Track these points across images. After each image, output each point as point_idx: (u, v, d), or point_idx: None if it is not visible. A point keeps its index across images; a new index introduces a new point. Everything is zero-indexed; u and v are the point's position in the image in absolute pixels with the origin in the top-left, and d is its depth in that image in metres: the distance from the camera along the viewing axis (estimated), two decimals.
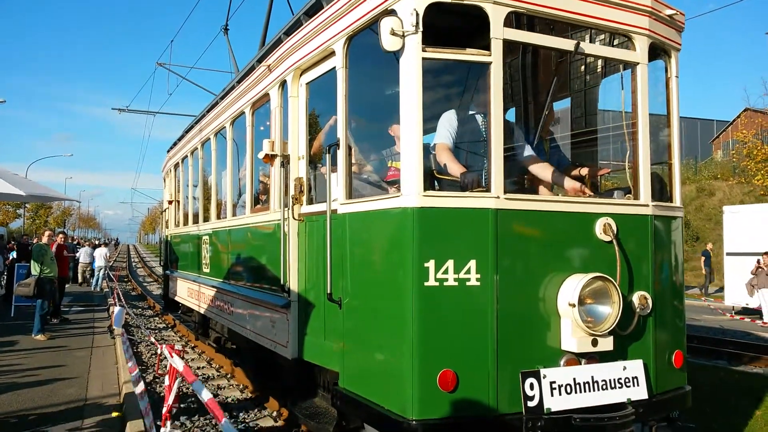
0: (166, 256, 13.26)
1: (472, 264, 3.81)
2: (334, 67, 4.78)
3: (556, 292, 4.01)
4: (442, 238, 3.84)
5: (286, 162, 5.53)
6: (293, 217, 5.39)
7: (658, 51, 4.70)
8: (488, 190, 3.92)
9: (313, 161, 5.48)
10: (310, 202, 5.37)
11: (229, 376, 9.17)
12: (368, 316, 4.25)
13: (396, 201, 3.93)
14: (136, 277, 35.85)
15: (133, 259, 60.18)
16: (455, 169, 4.38)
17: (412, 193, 3.83)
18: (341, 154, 4.58)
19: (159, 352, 6.27)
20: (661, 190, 4.68)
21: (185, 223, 11.05)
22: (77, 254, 24.66)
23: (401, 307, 3.83)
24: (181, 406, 6.97)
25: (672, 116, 4.76)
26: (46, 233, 13.10)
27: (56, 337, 11.69)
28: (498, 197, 3.88)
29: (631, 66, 4.50)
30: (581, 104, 5.44)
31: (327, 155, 4.63)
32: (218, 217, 8.44)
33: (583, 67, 5.25)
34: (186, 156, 10.73)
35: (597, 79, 5.34)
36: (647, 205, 4.41)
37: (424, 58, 3.89)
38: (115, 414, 6.46)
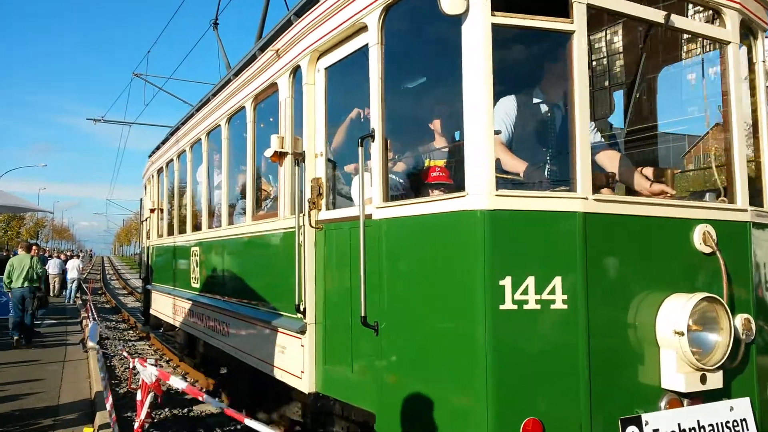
0: (147, 268, 11.91)
1: (557, 282, 2.95)
2: (365, 45, 3.92)
3: (652, 317, 3.18)
4: (520, 248, 2.98)
5: (300, 160, 4.62)
6: (310, 225, 4.47)
7: (743, 30, 3.94)
8: (572, 189, 3.08)
9: (334, 159, 4.59)
10: (330, 206, 4.47)
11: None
12: (419, 348, 3.34)
13: (459, 202, 3.06)
14: (110, 289, 34.26)
15: (107, 272, 58.05)
16: (514, 165, 3.54)
17: (481, 192, 2.97)
18: (377, 147, 3.70)
19: (131, 366, 5.84)
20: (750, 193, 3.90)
21: (170, 233, 9.81)
22: (47, 266, 23.43)
23: (469, 337, 2.95)
24: (155, 420, 6.93)
25: (760, 106, 3.99)
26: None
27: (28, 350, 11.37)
28: (586, 198, 3.04)
29: (721, 45, 3.73)
30: (646, 91, 4.63)
31: (359, 149, 3.73)
32: (210, 226, 7.43)
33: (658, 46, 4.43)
34: (171, 160, 9.58)
35: (658, 64, 4.56)
36: (745, 210, 3.61)
37: (493, 24, 3.05)
38: (87, 429, 6.11)
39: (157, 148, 11.10)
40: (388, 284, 3.57)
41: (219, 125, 6.84)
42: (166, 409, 7.73)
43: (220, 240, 6.76)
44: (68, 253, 29.20)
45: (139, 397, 5.30)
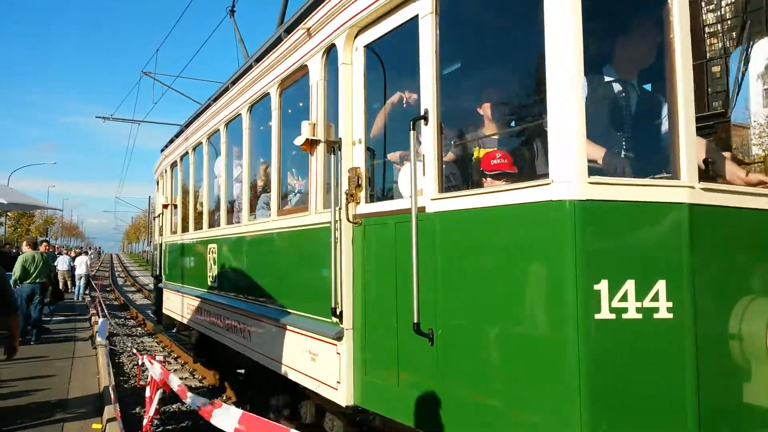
0: (160, 266, 11.22)
1: (661, 286, 2.47)
2: (414, 17, 3.45)
3: (763, 326, 2.68)
4: (618, 246, 2.50)
5: (335, 148, 4.14)
6: (347, 219, 3.99)
7: None
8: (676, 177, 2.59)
9: (373, 147, 4.11)
10: (370, 199, 3.99)
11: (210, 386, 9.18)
12: (487, 362, 2.85)
13: (542, 192, 2.58)
14: (119, 287, 34.00)
15: (116, 269, 57.84)
16: (592, 151, 3.05)
17: (570, 179, 2.48)
18: (430, 131, 3.23)
19: (140, 362, 5.86)
20: None
21: (185, 229, 9.23)
22: (56, 262, 23.25)
23: (558, 353, 2.46)
24: (163, 417, 6.88)
25: None
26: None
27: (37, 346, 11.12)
28: (693, 187, 2.55)
29: None
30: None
31: (411, 132, 3.26)
32: (229, 222, 6.96)
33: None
34: (187, 152, 8.99)
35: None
36: None
37: None
38: (95, 425, 6.01)
39: (171, 141, 10.51)
40: (445, 287, 3.10)
41: (240, 114, 6.37)
42: (175, 405, 7.80)
43: (241, 237, 6.30)
44: (77, 250, 28.81)
45: (147, 393, 5.21)
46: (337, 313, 3.96)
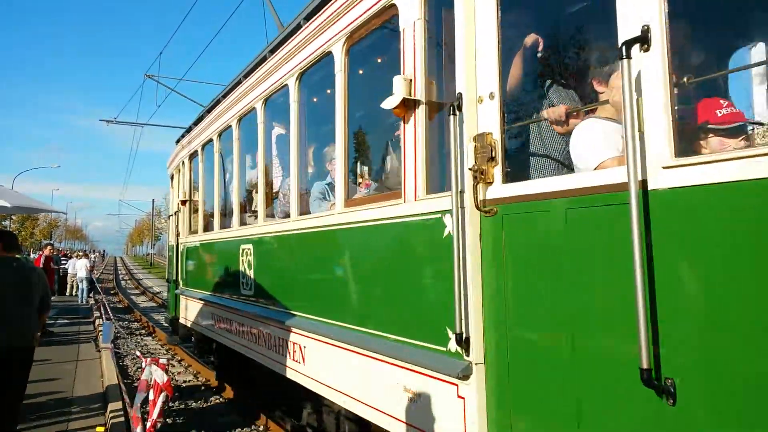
0: (177, 270, 9.70)
1: None
2: None
3: None
4: None
5: (454, 108, 2.90)
6: (475, 206, 2.76)
7: None
8: None
9: (511, 105, 2.90)
10: (509, 178, 2.76)
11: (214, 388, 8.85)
12: None
13: None
14: (123, 289, 32.97)
15: (120, 271, 56.69)
16: None
17: None
18: (656, 58, 2.02)
19: (144, 365, 5.51)
20: None
21: (208, 227, 7.92)
22: (66, 265, 22.27)
23: None
24: (167, 420, 6.74)
25: None
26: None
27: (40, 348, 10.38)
28: None
29: None
30: None
31: (624, 62, 2.02)
32: (268, 216, 5.69)
33: None
34: (210, 140, 7.62)
35: None
36: None
37: None
38: (99, 429, 5.93)
39: (188, 130, 9.20)
40: (693, 311, 1.88)
41: (285, 85, 5.13)
42: (176, 402, 7.82)
43: (287, 235, 5.03)
44: (79, 253, 27.78)
45: (151, 396, 5.16)
46: (462, 340, 2.72)
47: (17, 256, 5.30)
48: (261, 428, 6.74)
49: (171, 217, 10.66)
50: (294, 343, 4.77)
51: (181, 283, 9.31)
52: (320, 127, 5.09)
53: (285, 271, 5.13)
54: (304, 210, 4.86)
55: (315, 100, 5.03)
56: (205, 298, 7.66)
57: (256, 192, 6.00)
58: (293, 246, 4.98)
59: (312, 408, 5.05)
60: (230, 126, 6.77)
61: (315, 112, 5.05)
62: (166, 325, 12.67)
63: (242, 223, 6.42)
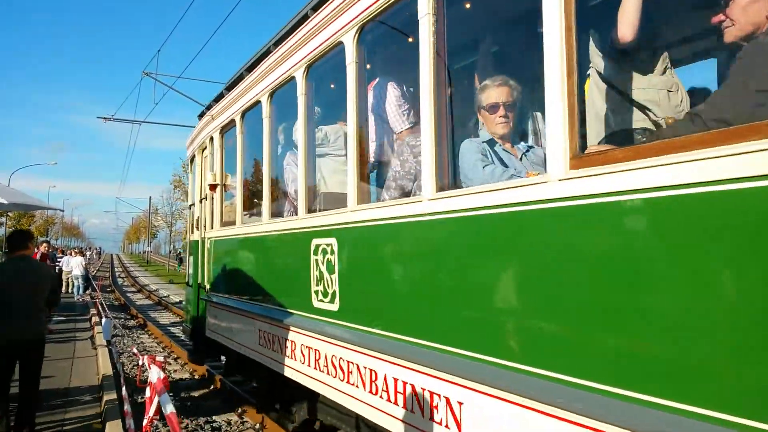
0: (200, 271, 7.73)
1: None
2: None
3: None
4: None
5: None
6: None
7: None
8: None
9: None
10: None
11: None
12: None
13: None
14: (119, 286, 33.76)
15: (116, 269, 57.49)
16: None
17: None
18: None
19: (140, 363, 5.76)
20: None
21: (252, 217, 6.21)
22: (61, 263, 22.99)
23: None
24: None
25: None
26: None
27: None
28: None
29: None
30: None
31: None
32: (361, 201, 3.91)
33: None
34: (257, 103, 5.73)
35: None
36: None
37: None
38: (96, 425, 5.98)
39: (218, 98, 7.35)
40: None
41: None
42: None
43: (424, 223, 3.22)
44: (75, 251, 28.20)
45: (147, 394, 5.06)
46: None
47: (25, 252, 5.62)
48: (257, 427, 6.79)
49: (192, 207, 8.74)
50: (435, 396, 3.07)
51: (208, 287, 7.36)
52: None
53: (412, 280, 3.40)
54: (447, 184, 3.20)
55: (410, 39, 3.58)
56: (246, 308, 5.93)
57: (341, 166, 4.65)
58: (435, 241, 3.17)
59: None
60: (293, 78, 4.90)
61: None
62: (185, 337, 10.99)
63: (314, 209, 4.70)
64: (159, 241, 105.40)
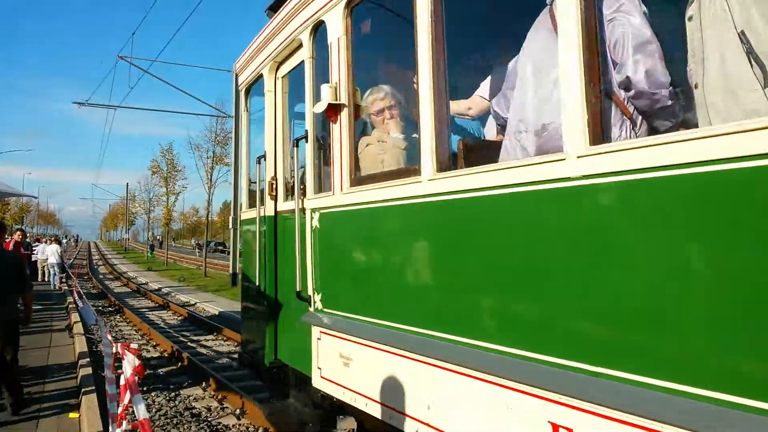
0: (297, 269, 4.17)
1: None
2: None
3: None
4: None
5: None
6: None
7: None
8: None
9: None
10: None
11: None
12: None
13: None
14: (96, 274, 33.33)
15: (93, 256, 56.60)
16: None
17: None
18: None
19: (115, 350, 5.45)
20: None
21: (439, 169, 2.74)
22: (36, 252, 22.51)
23: None
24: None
25: None
26: None
27: None
28: None
29: None
30: None
31: None
32: None
33: None
34: None
35: None
36: None
37: None
38: (72, 415, 6.01)
39: None
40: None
41: None
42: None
43: None
44: (50, 239, 27.51)
45: (122, 381, 4.91)
46: None
47: None
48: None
49: (259, 162, 5.07)
50: None
51: (316, 298, 4.01)
52: None
53: None
54: None
55: None
56: (441, 349, 2.76)
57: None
58: None
59: None
60: None
61: None
62: (261, 381, 6.67)
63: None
64: (137, 228, 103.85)
